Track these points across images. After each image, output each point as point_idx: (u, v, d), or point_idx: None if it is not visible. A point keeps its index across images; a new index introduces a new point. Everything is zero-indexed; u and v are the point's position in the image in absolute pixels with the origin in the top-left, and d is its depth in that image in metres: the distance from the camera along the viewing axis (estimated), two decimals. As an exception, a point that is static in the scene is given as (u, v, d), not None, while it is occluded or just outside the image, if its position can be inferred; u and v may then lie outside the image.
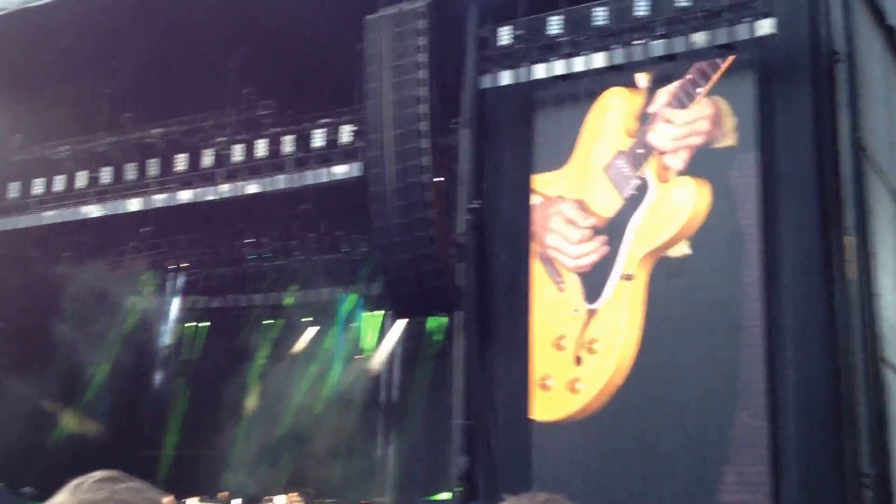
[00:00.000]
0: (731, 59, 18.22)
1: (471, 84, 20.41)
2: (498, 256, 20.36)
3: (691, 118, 18.37)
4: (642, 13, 18.85)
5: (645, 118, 18.86)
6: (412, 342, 25.66)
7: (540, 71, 19.64)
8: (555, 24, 19.70)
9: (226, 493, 23.74)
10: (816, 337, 16.99)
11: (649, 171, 18.58)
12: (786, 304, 17.18)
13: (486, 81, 20.23)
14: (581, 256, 19.04)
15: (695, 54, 18.54)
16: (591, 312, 18.72)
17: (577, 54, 19.35)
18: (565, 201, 19.40)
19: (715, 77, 18.25)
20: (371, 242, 21.91)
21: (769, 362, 17.00)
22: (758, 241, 17.51)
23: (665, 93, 18.70)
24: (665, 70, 18.89)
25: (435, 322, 24.37)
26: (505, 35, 20.05)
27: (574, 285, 19.02)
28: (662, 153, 18.50)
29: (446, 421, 20.39)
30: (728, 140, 18.07)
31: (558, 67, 19.49)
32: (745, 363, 17.31)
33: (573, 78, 19.64)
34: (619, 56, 18.98)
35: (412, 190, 18.61)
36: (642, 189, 18.60)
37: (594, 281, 18.78)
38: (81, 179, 25.05)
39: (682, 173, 18.30)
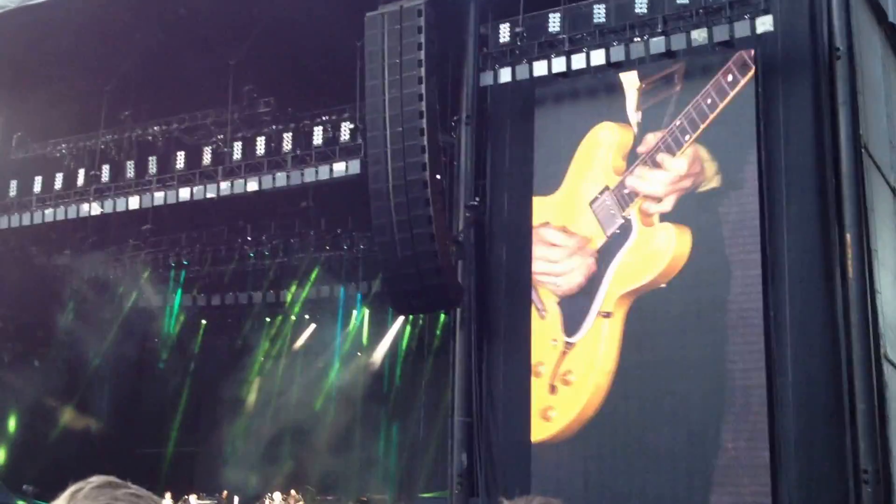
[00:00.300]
0: (721, 108, 18.10)
1: (471, 81, 20.41)
2: (498, 254, 20.37)
3: (678, 165, 18.37)
4: (642, 10, 18.84)
5: (633, 158, 18.85)
6: (412, 339, 25.70)
7: (540, 68, 19.62)
8: (555, 22, 19.69)
9: (226, 493, 23.76)
10: (816, 334, 17.01)
11: (634, 212, 18.64)
12: (786, 300, 17.18)
13: (486, 79, 20.22)
14: (564, 274, 19.14)
15: (694, 51, 18.54)
16: (569, 345, 18.92)
17: (577, 51, 19.34)
18: (549, 227, 19.48)
19: (704, 125, 18.17)
20: (371, 240, 21.90)
21: (769, 359, 17.01)
22: (758, 237, 17.52)
23: (654, 136, 18.68)
24: (654, 116, 18.84)
25: (435, 319, 24.41)
26: (505, 32, 20.04)
27: (555, 315, 19.15)
28: (648, 198, 18.54)
29: (446, 417, 20.42)
30: (712, 182, 18.10)
31: (558, 64, 19.47)
32: (745, 360, 17.32)
33: (573, 75, 19.64)
34: (618, 53, 18.97)
35: (412, 187, 18.59)
36: (626, 229, 18.70)
37: (574, 314, 18.93)
38: (81, 177, 25.05)
39: (666, 218, 18.35)
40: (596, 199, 19.10)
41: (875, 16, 19.66)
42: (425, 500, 21.80)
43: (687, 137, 18.24)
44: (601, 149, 19.30)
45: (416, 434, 24.82)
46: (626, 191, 18.78)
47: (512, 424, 19.33)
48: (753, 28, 17.64)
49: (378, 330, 26.33)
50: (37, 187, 25.33)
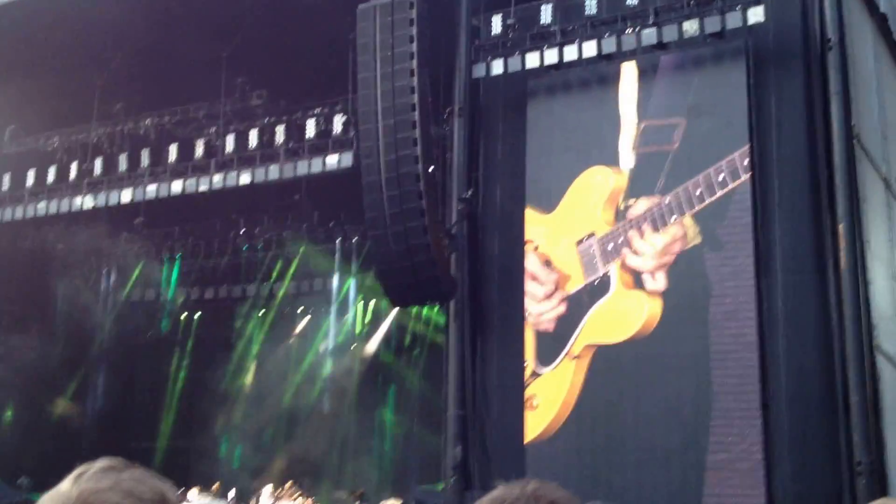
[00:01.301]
0: (721, 194, 17.99)
1: (463, 73, 20.39)
2: (491, 246, 20.37)
3: (660, 241, 18.37)
4: (633, 2, 18.84)
5: (622, 215, 18.85)
6: (405, 331, 25.73)
7: (532, 60, 19.62)
8: (546, 13, 19.68)
9: (218, 484, 23.73)
10: (809, 325, 17.04)
11: (614, 269, 18.66)
12: (778, 292, 17.21)
13: (479, 70, 20.21)
14: (542, 314, 19.25)
15: (687, 43, 18.56)
16: (536, 374, 19.07)
17: (569, 43, 19.33)
18: (536, 254, 19.50)
19: (691, 212, 18.14)
20: (364, 232, 21.90)
21: (762, 351, 17.04)
22: (750, 229, 17.54)
23: (645, 202, 18.68)
24: (648, 170, 18.75)
25: (428, 312, 24.43)
26: (496, 24, 20.03)
27: (529, 340, 19.29)
28: (632, 269, 18.56)
29: (440, 410, 20.44)
30: (694, 240, 18.13)
31: (550, 56, 19.46)
32: (737, 352, 17.35)
33: (565, 67, 19.63)
34: (610, 45, 18.97)
35: (405, 180, 18.57)
36: (604, 283, 18.75)
37: (547, 349, 19.06)
38: (74, 170, 25.01)
39: (645, 289, 18.36)
40: (582, 241, 19.13)
41: (867, 6, 19.68)
42: (421, 492, 21.83)
43: (674, 218, 18.27)
44: (594, 193, 19.23)
45: (411, 426, 24.85)
46: (609, 247, 18.82)
47: (506, 417, 19.35)
48: (745, 19, 17.65)
49: (371, 322, 26.35)
50: (30, 181, 25.32)
